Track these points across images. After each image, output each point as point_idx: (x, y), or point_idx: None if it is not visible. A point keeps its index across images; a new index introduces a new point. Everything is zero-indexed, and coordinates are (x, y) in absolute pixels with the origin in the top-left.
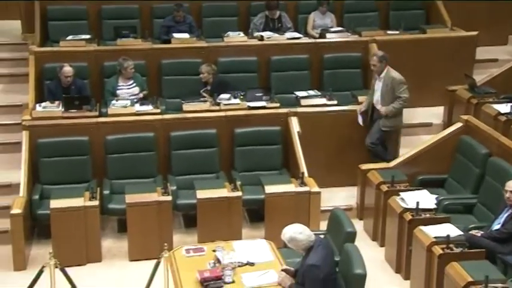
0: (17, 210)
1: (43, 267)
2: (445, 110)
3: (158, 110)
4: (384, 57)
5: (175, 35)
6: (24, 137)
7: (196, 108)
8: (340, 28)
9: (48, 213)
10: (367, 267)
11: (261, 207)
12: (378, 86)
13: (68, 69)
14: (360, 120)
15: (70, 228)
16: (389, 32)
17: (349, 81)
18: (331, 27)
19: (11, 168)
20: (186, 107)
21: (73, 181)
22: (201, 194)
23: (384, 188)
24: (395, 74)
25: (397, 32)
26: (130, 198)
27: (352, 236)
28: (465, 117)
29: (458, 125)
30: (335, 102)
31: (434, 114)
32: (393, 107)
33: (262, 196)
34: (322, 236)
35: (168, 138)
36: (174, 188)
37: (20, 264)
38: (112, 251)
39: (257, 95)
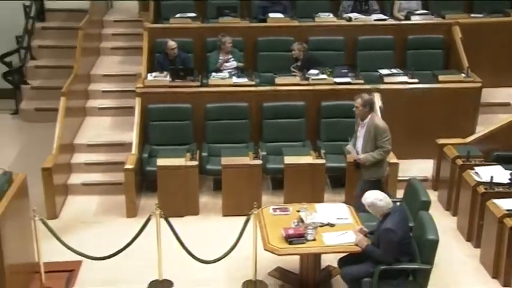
0: (129, 165)
1: (150, 216)
2: None
3: (253, 82)
4: (368, 101)
5: (271, 14)
6: (136, 102)
7: (287, 81)
8: (425, 11)
9: (155, 170)
10: (440, 234)
11: (343, 174)
12: (361, 132)
13: (171, 43)
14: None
15: (173, 184)
16: (472, 15)
17: (431, 61)
18: (417, 10)
19: (125, 130)
20: (278, 80)
21: (176, 143)
22: (289, 160)
23: (459, 162)
24: (379, 122)
25: (481, 16)
26: (225, 160)
27: (426, 205)
28: None
29: None
30: (416, 80)
31: None
32: (372, 156)
33: (344, 164)
34: (398, 203)
35: (260, 108)
36: (264, 153)
37: (132, 212)
38: (208, 206)
39: (343, 71)
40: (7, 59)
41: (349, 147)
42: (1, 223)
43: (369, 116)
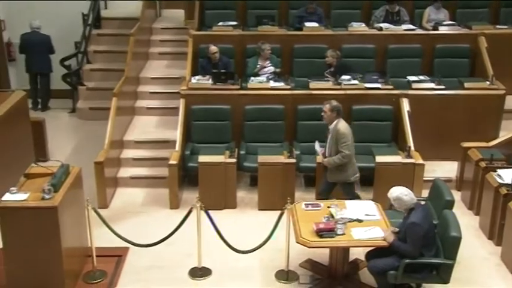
0: (173, 161)
1: (191, 208)
2: None
3: (288, 86)
4: (336, 107)
5: (307, 24)
6: (181, 103)
7: (320, 86)
8: (452, 22)
9: (197, 166)
10: (462, 232)
11: (371, 173)
12: (329, 137)
13: (212, 48)
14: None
15: (213, 179)
16: (498, 26)
17: (457, 69)
18: (444, 21)
19: (169, 128)
20: (312, 85)
21: (216, 141)
22: (321, 159)
23: (483, 164)
24: (341, 127)
25: (506, 27)
26: (261, 158)
27: (450, 204)
28: None
29: None
30: (443, 87)
31: None
32: (333, 160)
33: (373, 164)
34: (423, 202)
35: (295, 110)
36: (298, 152)
37: (175, 204)
38: (244, 200)
39: (373, 77)
40: (66, 63)
41: (317, 148)
42: (59, 210)
43: (335, 122)
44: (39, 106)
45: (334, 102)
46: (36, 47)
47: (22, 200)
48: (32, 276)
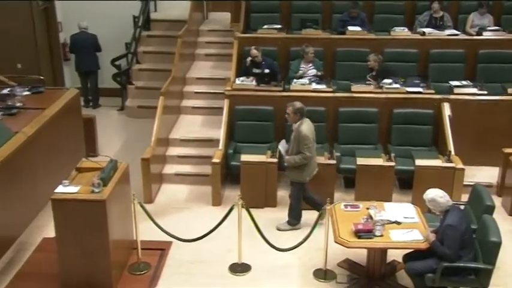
0: (216, 160)
1: (233, 205)
2: None
3: (330, 89)
4: (299, 110)
5: (350, 28)
6: (225, 103)
7: (362, 89)
8: (496, 28)
9: (239, 165)
10: (502, 238)
11: (410, 177)
12: (291, 137)
13: (253, 51)
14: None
15: (254, 178)
16: None
17: (501, 75)
18: (489, 26)
19: (213, 127)
20: (354, 88)
21: (259, 141)
22: (361, 161)
23: None
24: (303, 128)
25: None
26: None
27: (490, 209)
28: None
29: None
30: (485, 92)
31: None
32: (294, 159)
33: (413, 167)
34: (462, 207)
35: (336, 112)
36: (338, 154)
37: (217, 201)
38: (285, 199)
39: (415, 81)
40: (117, 63)
41: (280, 146)
42: (107, 204)
43: (298, 122)
44: (91, 104)
45: (298, 105)
46: (84, 46)
47: (73, 193)
48: (81, 264)
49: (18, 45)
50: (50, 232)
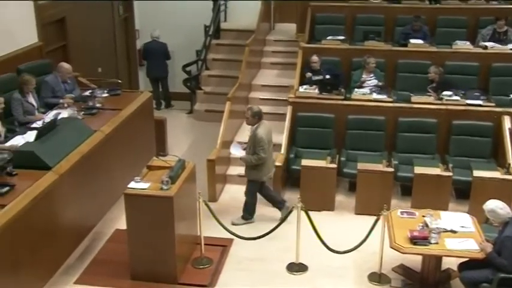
0: (278, 163)
1: (293, 207)
2: None
3: (390, 99)
4: (257, 113)
5: (412, 40)
6: (288, 110)
7: (422, 100)
8: None
9: (299, 169)
10: None
11: (467, 187)
12: (248, 137)
13: (313, 58)
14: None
15: (314, 182)
16: None
17: None
18: None
19: (276, 132)
20: (414, 99)
21: (319, 147)
22: (418, 170)
23: None
24: (259, 131)
25: None
26: (361, 166)
27: None
28: None
29: None
30: None
31: None
32: (250, 158)
33: (470, 178)
34: None
35: (396, 122)
36: (396, 162)
37: None
38: (342, 204)
39: (475, 94)
40: (188, 68)
41: (233, 150)
42: (175, 200)
43: (256, 125)
44: (162, 106)
45: (256, 108)
46: (155, 54)
47: (144, 189)
48: (149, 255)
49: (99, 51)
50: (122, 224)
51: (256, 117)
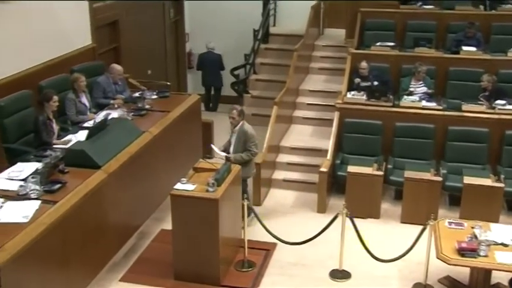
0: (324, 169)
1: (337, 213)
2: None
3: (440, 107)
4: (242, 111)
5: (464, 47)
6: (335, 115)
7: (473, 109)
8: None
9: (345, 175)
10: None
11: None
12: (233, 138)
13: (362, 64)
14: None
15: (359, 189)
16: None
17: None
18: None
19: (323, 138)
20: (465, 107)
21: (366, 154)
22: (468, 180)
23: None
24: (248, 128)
25: None
26: (408, 174)
27: None
28: None
29: None
30: None
31: None
32: (241, 156)
33: None
34: None
35: (445, 130)
36: (445, 171)
37: (322, 208)
38: (388, 212)
39: None
40: (236, 72)
41: (215, 149)
42: (220, 203)
43: (240, 123)
44: (210, 105)
45: (239, 107)
46: (210, 64)
47: (190, 190)
48: (193, 256)
49: (150, 53)
50: (167, 224)
51: (242, 116)
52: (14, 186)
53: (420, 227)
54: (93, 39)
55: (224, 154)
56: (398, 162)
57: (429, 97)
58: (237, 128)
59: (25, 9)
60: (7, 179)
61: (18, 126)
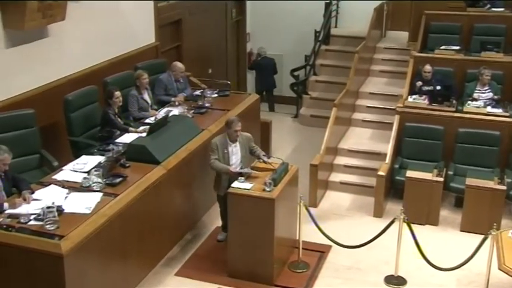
0: (381, 173)
1: (394, 218)
2: None
3: (507, 114)
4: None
5: None
6: (395, 119)
7: None
8: None
9: (404, 180)
10: None
11: None
12: (235, 150)
13: (427, 67)
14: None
15: (418, 195)
16: None
17: None
18: None
19: (382, 141)
20: None
21: (426, 159)
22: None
23: None
24: (245, 133)
25: None
26: (470, 181)
27: None
28: None
29: None
30: None
31: None
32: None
33: None
34: None
35: None
36: (510, 180)
37: (378, 212)
38: (447, 219)
39: None
40: (296, 73)
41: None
42: (276, 203)
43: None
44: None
45: (236, 118)
46: (264, 69)
47: (247, 189)
48: (247, 255)
49: (211, 52)
50: None
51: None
52: (78, 178)
53: (480, 237)
54: (157, 38)
55: (238, 169)
56: (460, 169)
57: (495, 103)
58: (239, 139)
59: (94, 8)
60: (72, 170)
61: (83, 120)
